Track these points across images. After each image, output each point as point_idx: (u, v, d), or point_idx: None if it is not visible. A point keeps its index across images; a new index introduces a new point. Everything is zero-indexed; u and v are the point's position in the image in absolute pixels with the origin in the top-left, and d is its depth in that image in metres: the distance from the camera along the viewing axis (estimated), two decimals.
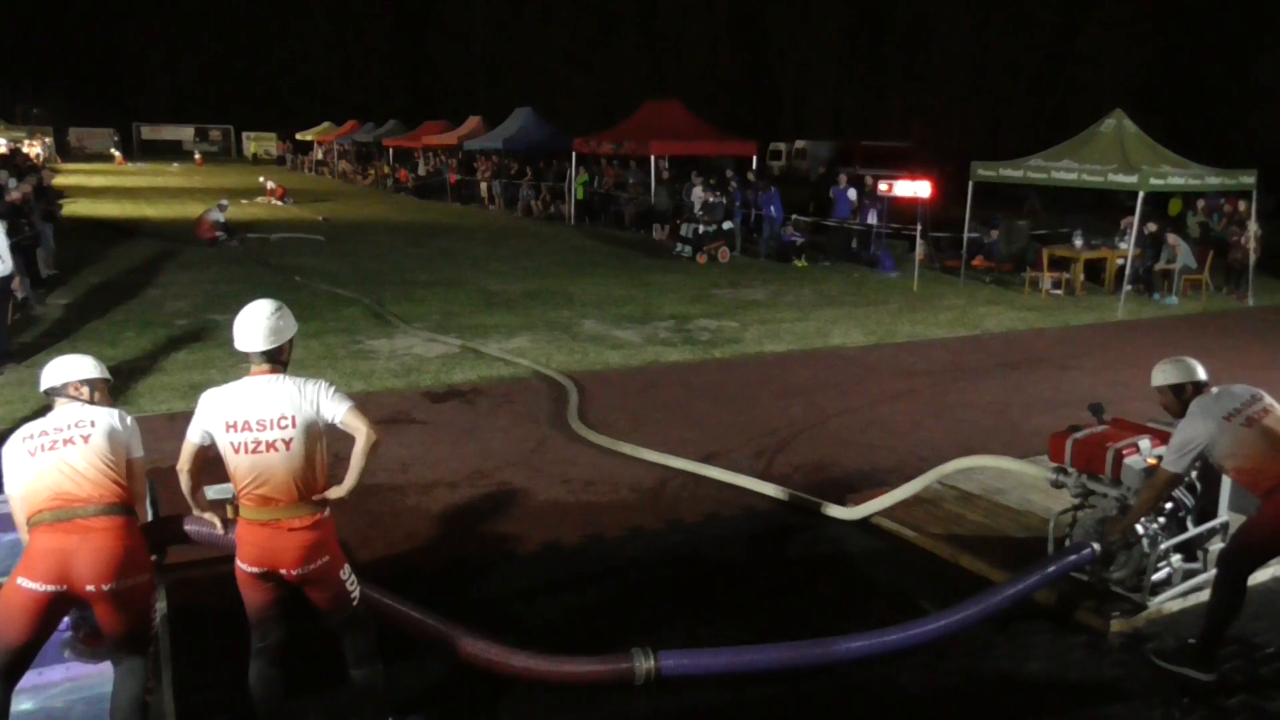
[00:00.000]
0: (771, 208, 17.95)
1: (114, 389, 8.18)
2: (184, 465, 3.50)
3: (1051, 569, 4.61)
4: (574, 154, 24.60)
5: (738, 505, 6.13)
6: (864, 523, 5.83)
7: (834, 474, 6.74)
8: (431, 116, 41.00)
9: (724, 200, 18.04)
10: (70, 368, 3.63)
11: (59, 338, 10.31)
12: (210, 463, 3.50)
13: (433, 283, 14.48)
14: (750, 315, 12.36)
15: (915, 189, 15.06)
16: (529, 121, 28.76)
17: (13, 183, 13.64)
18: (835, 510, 5.93)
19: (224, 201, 20.17)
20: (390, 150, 40.32)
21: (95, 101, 67.31)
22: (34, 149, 41.26)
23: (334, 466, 3.51)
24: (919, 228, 15.56)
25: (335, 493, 3.44)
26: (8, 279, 9.28)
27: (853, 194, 17.81)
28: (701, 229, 17.54)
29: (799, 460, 7.02)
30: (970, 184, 15.26)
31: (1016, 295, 14.50)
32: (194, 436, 3.43)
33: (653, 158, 22.15)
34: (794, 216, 18.17)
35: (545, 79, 62.85)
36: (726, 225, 17.74)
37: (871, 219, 17.09)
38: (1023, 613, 4.63)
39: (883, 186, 16.24)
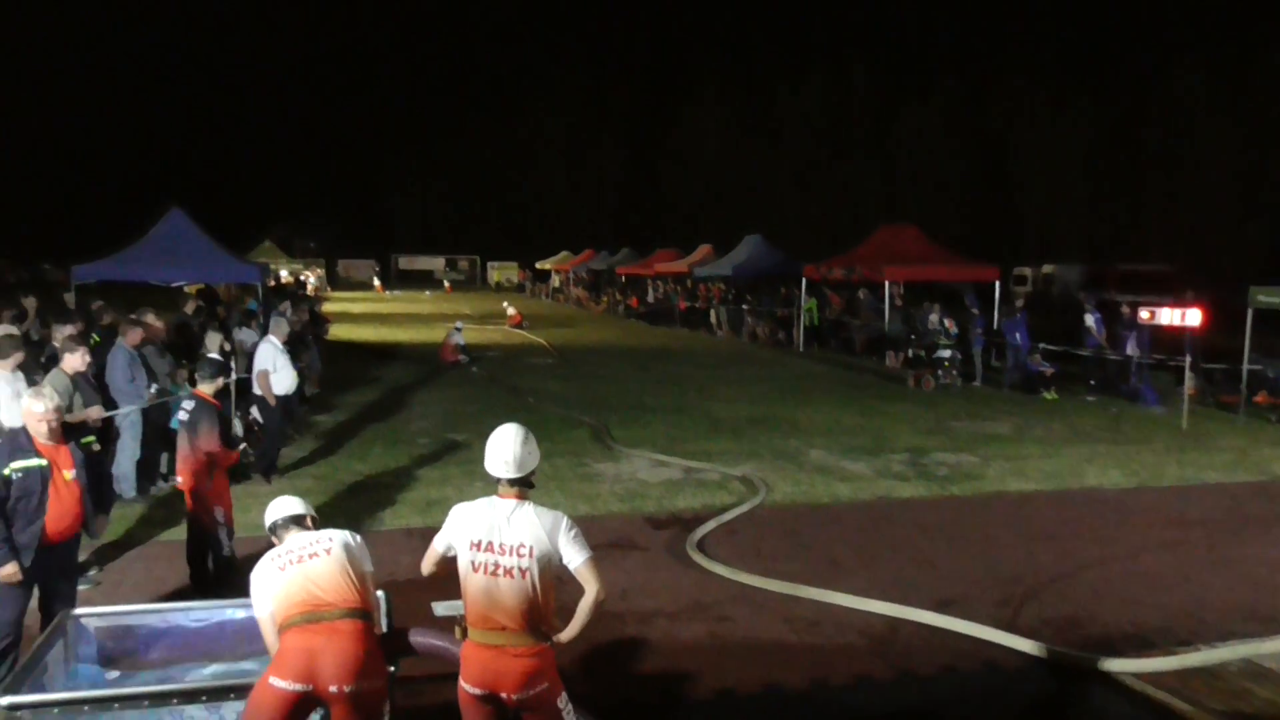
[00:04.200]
0: (1016, 334, 17.02)
1: (361, 503, 8.87)
2: (425, 569, 3.73)
3: None
4: (803, 279, 24.70)
5: (978, 659, 5.58)
6: (1129, 692, 5.12)
7: (1091, 630, 6.02)
8: (662, 243, 42.97)
9: (943, 327, 17.34)
10: (294, 505, 4.13)
11: (319, 454, 11.12)
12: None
13: (658, 408, 14.67)
14: (992, 450, 11.59)
15: (1183, 316, 13.74)
16: (758, 248, 29.25)
17: (289, 309, 15.40)
18: (1109, 664, 5.28)
19: (459, 324, 21.98)
20: (623, 277, 42.37)
21: (360, 235, 77.03)
22: (309, 278, 47.45)
23: (557, 590, 3.53)
24: (1188, 359, 14.13)
25: (558, 637, 3.54)
26: (292, 396, 10.32)
27: (1091, 319, 16.58)
28: (912, 352, 17.67)
29: (1049, 613, 6.34)
30: (1249, 310, 13.79)
31: None
32: (439, 545, 3.65)
33: (886, 283, 21.81)
34: (1041, 345, 17.09)
35: (774, 204, 63.75)
36: (940, 354, 17.02)
37: (1130, 349, 15.74)
38: None
39: (1143, 314, 14.96)
